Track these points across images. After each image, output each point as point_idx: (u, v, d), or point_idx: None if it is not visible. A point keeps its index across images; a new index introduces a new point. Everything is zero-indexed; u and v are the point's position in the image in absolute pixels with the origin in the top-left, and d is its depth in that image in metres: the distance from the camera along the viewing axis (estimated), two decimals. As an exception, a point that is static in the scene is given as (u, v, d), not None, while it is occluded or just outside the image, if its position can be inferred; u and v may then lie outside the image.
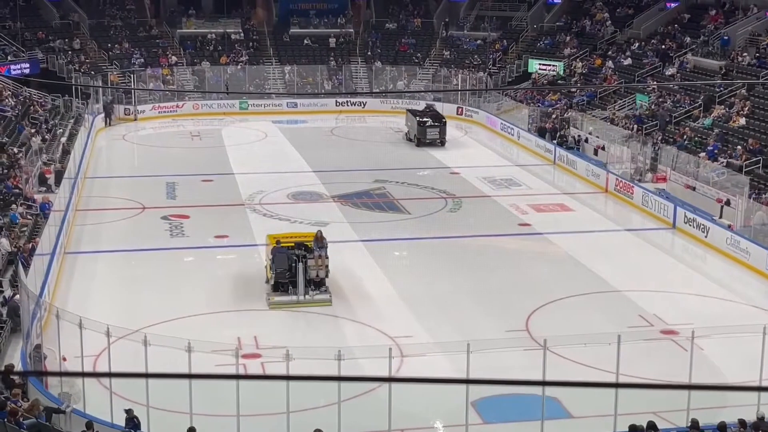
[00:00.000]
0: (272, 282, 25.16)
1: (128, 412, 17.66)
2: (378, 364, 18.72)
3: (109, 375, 19.07)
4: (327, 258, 25.14)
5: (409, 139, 44.82)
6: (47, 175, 35.58)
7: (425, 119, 44.38)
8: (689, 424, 17.39)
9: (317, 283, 25.02)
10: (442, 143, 43.95)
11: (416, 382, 15.87)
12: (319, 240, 25.41)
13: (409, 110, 46.72)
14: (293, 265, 24.77)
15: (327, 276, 25.20)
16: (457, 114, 51.90)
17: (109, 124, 48.18)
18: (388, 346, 18.83)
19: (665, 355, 21.95)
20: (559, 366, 19.78)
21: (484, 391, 19.43)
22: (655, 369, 20.78)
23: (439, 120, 44.70)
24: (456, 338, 21.42)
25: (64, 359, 19.86)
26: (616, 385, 17.53)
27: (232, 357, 17.95)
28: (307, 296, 24.68)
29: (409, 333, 22.83)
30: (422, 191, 36.18)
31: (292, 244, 25.32)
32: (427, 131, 43.86)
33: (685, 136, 38.92)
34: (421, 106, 49.88)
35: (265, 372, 20.41)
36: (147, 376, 16.72)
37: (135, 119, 49.79)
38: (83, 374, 19.66)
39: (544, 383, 18.05)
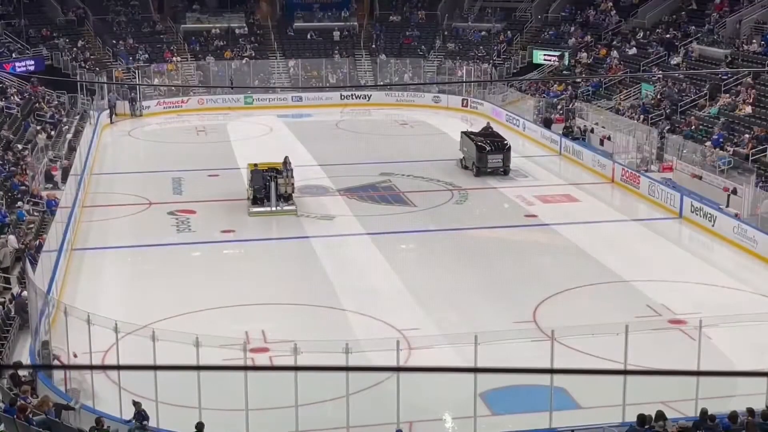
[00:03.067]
0: (251, 197, 31.90)
1: (136, 405, 17.69)
2: (386, 356, 18.73)
3: (118, 368, 19.11)
4: (293, 178, 32.17)
5: (465, 167, 37.52)
6: (53, 172, 35.64)
7: (486, 144, 37.25)
8: (698, 413, 17.37)
9: (286, 197, 31.95)
10: (506, 172, 36.73)
11: (424, 371, 15.87)
12: (287, 164, 32.22)
13: (465, 133, 38.98)
14: (267, 183, 31.76)
15: (293, 192, 32.29)
16: (462, 106, 51.84)
17: (112, 122, 48.20)
18: (396, 338, 18.83)
19: (673, 344, 21.92)
20: (566, 356, 19.77)
21: (492, 383, 19.43)
22: (664, 358, 20.75)
23: (502, 145, 37.40)
24: (463, 330, 21.43)
25: (75, 356, 19.91)
26: (624, 372, 17.52)
27: (240, 351, 17.98)
28: (278, 207, 31.69)
29: (416, 325, 22.84)
30: (428, 184, 36.16)
31: (266, 168, 32.17)
32: (489, 158, 36.66)
33: (691, 126, 38.82)
34: (475, 123, 44.46)
35: (273, 366, 20.42)
36: (156, 368, 16.75)
37: (140, 115, 49.82)
38: (92, 367, 19.70)
39: (552, 371, 18.05)
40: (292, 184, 32.33)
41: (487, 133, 38.87)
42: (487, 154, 36.52)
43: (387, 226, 31.18)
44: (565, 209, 33.08)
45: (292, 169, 32.41)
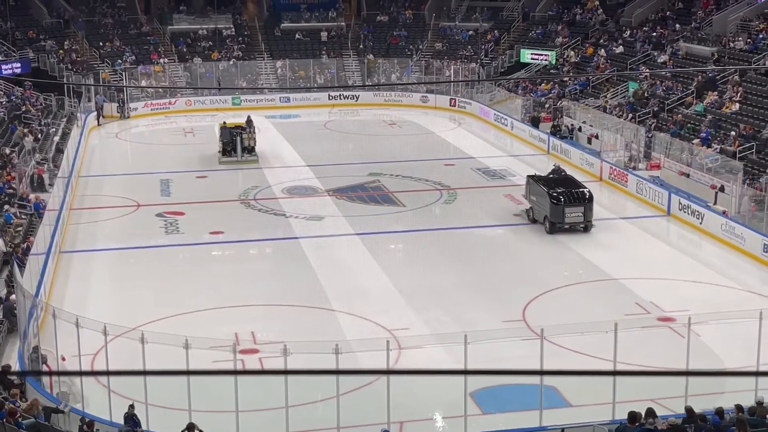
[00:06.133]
0: (221, 149, 39.58)
1: (130, 408, 17.61)
2: (376, 357, 18.72)
3: (107, 373, 19.05)
4: (255, 134, 39.83)
5: (534, 220, 30.61)
6: (41, 175, 35.51)
7: (561, 194, 29.94)
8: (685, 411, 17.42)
9: (249, 150, 39.48)
10: (586, 228, 29.90)
11: (414, 374, 15.86)
12: (250, 123, 40.24)
13: (532, 178, 31.48)
14: (234, 138, 39.37)
15: (255, 145, 39.66)
16: (450, 105, 51.89)
17: (100, 124, 48.07)
18: (386, 338, 18.83)
19: (663, 342, 21.99)
20: (556, 355, 19.79)
21: (482, 382, 19.45)
22: (653, 356, 20.80)
23: (582, 195, 30.11)
24: (453, 329, 21.47)
25: (63, 359, 19.84)
26: (614, 373, 17.54)
27: (229, 353, 17.95)
28: (243, 157, 39.31)
29: (406, 325, 22.85)
30: (417, 183, 36.16)
31: (234, 126, 39.92)
32: (566, 212, 29.61)
33: (678, 123, 38.92)
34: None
35: (263, 367, 20.41)
36: (145, 373, 16.71)
37: (127, 117, 49.69)
38: (81, 373, 19.63)
39: (542, 372, 18.08)
40: (254, 138, 39.74)
41: (560, 178, 32.17)
42: (564, 206, 29.64)
43: (376, 226, 31.18)
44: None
45: (254, 127, 40.12)
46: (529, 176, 31.99)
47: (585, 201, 29.84)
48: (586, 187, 30.80)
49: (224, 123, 40.26)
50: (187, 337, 17.53)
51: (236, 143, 39.28)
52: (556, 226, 29.61)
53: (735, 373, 19.62)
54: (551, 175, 32.74)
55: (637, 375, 12.37)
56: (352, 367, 19.15)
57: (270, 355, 20.12)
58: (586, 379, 19.58)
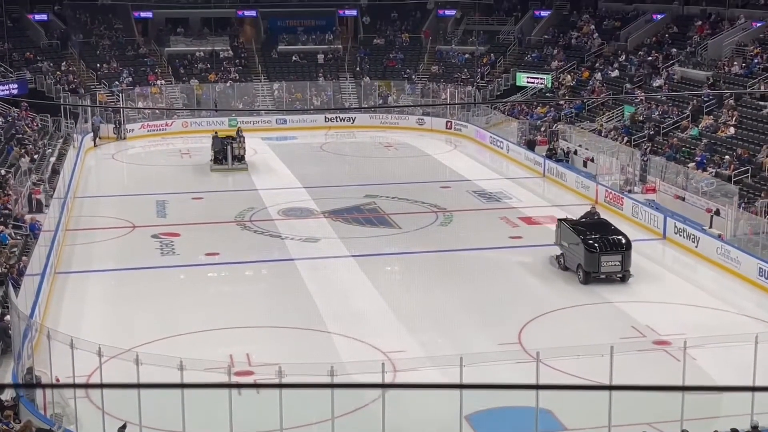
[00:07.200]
0: (212, 158, 42.34)
1: (121, 429, 17.53)
2: (371, 379, 18.66)
3: (101, 386, 18.96)
4: (244, 143, 42.61)
5: (566, 268, 28.19)
6: (37, 196, 35.48)
7: (596, 241, 27.57)
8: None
9: (239, 158, 42.25)
10: (624, 278, 27.51)
11: (410, 387, 15.85)
12: (239, 133, 43.18)
13: (564, 222, 29.18)
14: (225, 147, 42.22)
15: (244, 154, 42.45)
16: (447, 128, 52.01)
17: (96, 145, 48.10)
18: (381, 361, 18.79)
19: (658, 365, 21.96)
20: (552, 378, 19.78)
21: (477, 405, 19.40)
22: (649, 379, 20.79)
23: (619, 242, 27.73)
24: (449, 352, 21.41)
25: (57, 380, 19.76)
26: (610, 388, 17.48)
27: (224, 375, 17.90)
28: (233, 165, 42.00)
29: (401, 348, 22.80)
30: (413, 205, 36.19)
31: (225, 136, 43.00)
32: (602, 261, 27.23)
33: (674, 147, 39.02)
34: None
35: (258, 389, 20.34)
36: (138, 386, 16.62)
37: (124, 138, 49.74)
38: (74, 386, 19.55)
39: (537, 387, 18.01)
40: (244, 148, 42.56)
41: (595, 222, 29.59)
42: (600, 254, 27.25)
43: (372, 248, 31.17)
44: (549, 231, 33.10)
45: (243, 137, 43.01)
46: (560, 220, 29.52)
47: (622, 248, 27.38)
48: (623, 233, 28.32)
49: (216, 133, 43.45)
50: (182, 359, 17.48)
51: (227, 152, 42.01)
52: (590, 276, 27.10)
53: (725, 389, 19.56)
54: (584, 219, 30.17)
55: (632, 390, 12.34)
56: (347, 389, 19.10)
57: (265, 376, 20.08)
58: (582, 402, 19.53)
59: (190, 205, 36.60)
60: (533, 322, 24.66)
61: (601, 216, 30.69)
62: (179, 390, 17.53)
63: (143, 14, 60.76)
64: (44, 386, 19.63)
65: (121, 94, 53.43)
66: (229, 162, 41.97)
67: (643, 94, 45.47)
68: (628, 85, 47.25)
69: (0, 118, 44.31)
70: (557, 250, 28.95)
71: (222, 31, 61.18)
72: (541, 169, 41.67)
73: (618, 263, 27.18)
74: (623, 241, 27.65)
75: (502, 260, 30.55)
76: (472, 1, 61.39)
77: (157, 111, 52.46)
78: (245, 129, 50.38)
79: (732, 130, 38.10)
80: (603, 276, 27.24)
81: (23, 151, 40.36)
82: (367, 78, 57.99)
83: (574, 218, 30.32)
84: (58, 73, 53.61)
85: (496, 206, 36.27)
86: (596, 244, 27.30)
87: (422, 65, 59.31)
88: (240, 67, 58.31)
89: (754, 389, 18.52)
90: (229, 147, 42.02)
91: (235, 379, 19.35)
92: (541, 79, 53.22)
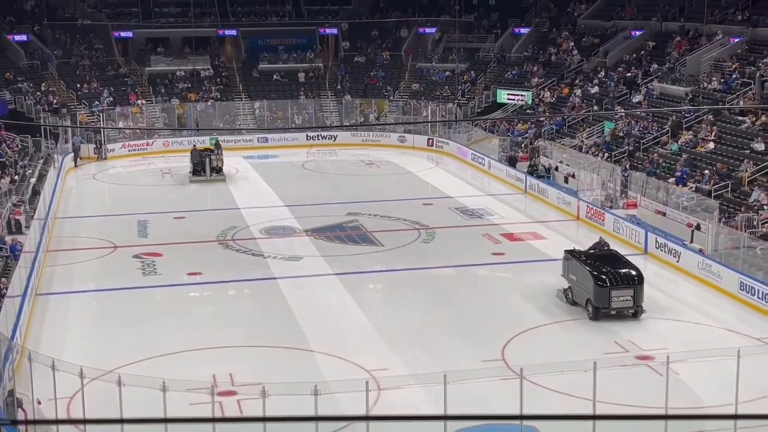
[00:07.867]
0: (191, 170, 43.90)
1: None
2: (355, 398, 18.63)
3: (84, 422, 18.82)
4: (222, 156, 44.33)
5: (574, 303, 26.51)
6: (17, 217, 35.28)
7: (607, 275, 25.89)
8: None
9: (217, 170, 43.79)
10: (636, 314, 25.82)
11: (394, 419, 15.77)
12: (218, 146, 45.25)
13: (571, 253, 27.33)
14: (203, 159, 43.72)
15: (222, 166, 44.12)
16: (428, 145, 52.13)
17: (76, 165, 47.94)
18: (365, 379, 18.75)
19: (641, 380, 22.00)
20: (536, 394, 19.77)
21: (463, 422, 19.35)
22: (632, 395, 20.82)
23: (631, 277, 26.05)
24: (433, 369, 21.39)
25: (39, 402, 19.62)
26: (593, 417, 17.50)
27: (207, 395, 17.81)
28: (211, 176, 43.49)
29: (385, 366, 22.75)
30: (395, 223, 36.21)
31: (203, 149, 45.04)
32: (613, 296, 25.56)
33: (654, 162, 39.24)
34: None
35: (242, 409, 20.25)
36: (122, 421, 16.50)
37: (105, 158, 49.60)
38: (57, 422, 19.37)
39: (521, 417, 18.01)
40: (222, 159, 44.23)
41: (604, 254, 27.78)
42: (611, 289, 25.64)
43: (355, 266, 31.14)
44: (531, 247, 33.23)
45: (221, 150, 44.93)
46: (567, 251, 27.58)
47: (635, 282, 25.72)
48: (634, 266, 26.81)
49: (194, 146, 45.76)
50: (165, 380, 17.39)
51: (205, 164, 43.56)
52: (600, 312, 25.46)
53: (716, 417, 19.63)
54: (592, 250, 28.24)
55: (618, 419, 12.37)
56: (331, 408, 19.05)
57: (248, 396, 19.98)
58: (567, 421, 19.52)
59: (171, 225, 36.49)
60: (516, 338, 24.67)
61: (611, 247, 28.98)
62: (162, 413, 17.41)
63: (123, 34, 60.77)
64: (27, 422, 19.40)
65: (101, 114, 53.30)
66: (207, 173, 43.50)
67: (622, 110, 45.74)
68: (608, 101, 47.55)
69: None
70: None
71: (203, 50, 61.20)
72: (522, 185, 41.80)
73: (630, 298, 25.59)
74: (635, 274, 26.04)
75: (485, 277, 30.59)
76: (452, 19, 61.68)
77: (138, 131, 52.35)
78: (226, 148, 50.49)
79: (711, 145, 38.35)
80: (614, 312, 25.54)
81: (3, 172, 40.17)
82: (348, 96, 58.08)
83: (582, 249, 28.66)
84: (38, 93, 53.45)
85: (479, 223, 36.34)
86: (606, 278, 25.69)
87: (403, 83, 59.49)
88: (221, 86, 58.31)
89: (736, 417, 18.54)
90: (207, 159, 43.52)
91: (217, 399, 19.25)
92: (521, 95, 53.46)
